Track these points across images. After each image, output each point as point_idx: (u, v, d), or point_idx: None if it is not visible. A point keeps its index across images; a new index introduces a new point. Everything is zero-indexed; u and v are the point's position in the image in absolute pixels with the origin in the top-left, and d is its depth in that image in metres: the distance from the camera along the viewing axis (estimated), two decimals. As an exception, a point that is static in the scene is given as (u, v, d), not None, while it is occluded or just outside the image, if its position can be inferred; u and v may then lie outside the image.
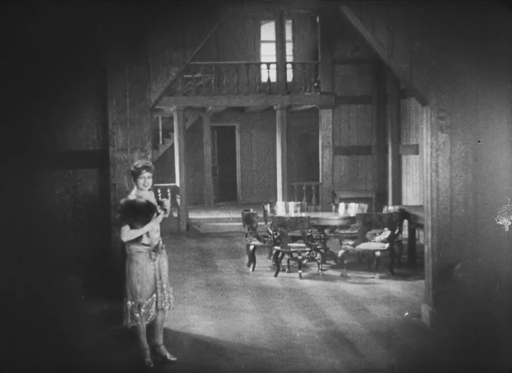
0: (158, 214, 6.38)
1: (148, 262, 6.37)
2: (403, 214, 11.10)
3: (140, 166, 6.39)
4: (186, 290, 9.81)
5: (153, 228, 6.33)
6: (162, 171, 18.43)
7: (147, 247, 6.34)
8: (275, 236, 11.00)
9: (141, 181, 6.38)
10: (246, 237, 11.70)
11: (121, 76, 7.44)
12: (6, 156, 7.39)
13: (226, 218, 16.94)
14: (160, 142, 19.45)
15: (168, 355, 6.58)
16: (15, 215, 7.41)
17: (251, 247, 11.35)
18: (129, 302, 6.34)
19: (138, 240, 6.29)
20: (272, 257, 11.47)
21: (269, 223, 11.66)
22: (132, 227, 6.24)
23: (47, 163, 7.65)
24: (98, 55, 7.49)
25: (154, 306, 6.41)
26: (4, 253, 7.07)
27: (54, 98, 7.55)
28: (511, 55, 7.29)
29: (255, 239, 11.36)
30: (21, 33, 7.24)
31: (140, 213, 6.28)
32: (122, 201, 6.37)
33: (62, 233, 7.63)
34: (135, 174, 6.39)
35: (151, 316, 6.43)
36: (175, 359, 6.57)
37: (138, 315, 6.35)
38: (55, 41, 7.38)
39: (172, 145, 18.36)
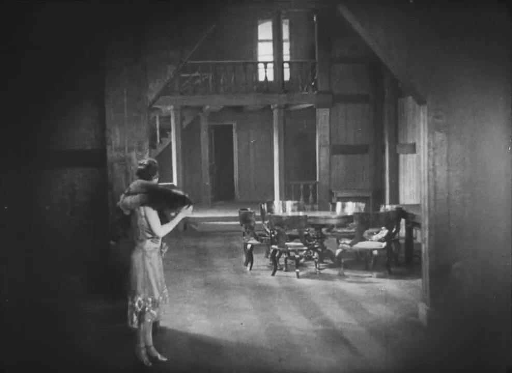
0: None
1: (159, 259, 6.40)
2: (401, 213, 11.11)
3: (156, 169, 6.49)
4: (184, 289, 9.82)
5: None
6: (160, 170, 18.39)
7: (159, 244, 6.38)
8: (272, 235, 11.01)
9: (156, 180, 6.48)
10: (243, 236, 11.70)
11: (118, 75, 7.43)
12: (5, 156, 7.39)
13: (224, 217, 16.95)
14: (158, 141, 19.45)
15: (159, 355, 6.55)
16: (13, 215, 7.40)
17: (248, 246, 11.36)
18: (146, 298, 6.26)
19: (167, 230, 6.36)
20: (269, 256, 11.47)
21: (266, 222, 11.65)
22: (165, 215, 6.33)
23: (45, 162, 7.65)
24: (95, 54, 7.49)
25: (164, 302, 6.44)
26: (3, 252, 7.08)
27: (52, 97, 7.55)
28: (509, 54, 7.30)
29: (252, 238, 11.37)
30: (20, 33, 7.23)
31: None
32: (169, 188, 6.45)
33: (60, 232, 7.63)
34: (154, 173, 6.46)
35: (162, 313, 6.46)
36: (166, 359, 6.55)
37: (154, 312, 6.33)
38: (53, 41, 7.38)
39: (170, 144, 18.36)
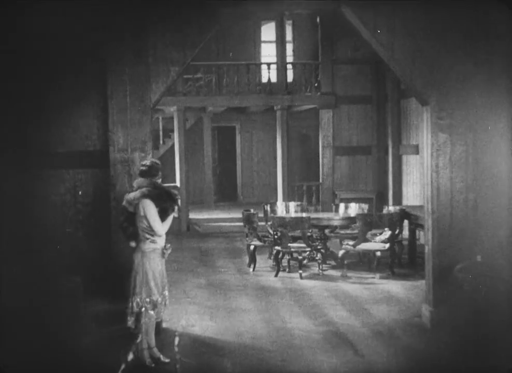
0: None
1: (160, 260, 6.39)
2: (404, 214, 11.09)
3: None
4: (187, 290, 9.81)
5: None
6: (162, 171, 18.38)
7: (160, 245, 6.36)
8: (275, 236, 11.00)
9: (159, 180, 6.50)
10: (246, 237, 11.69)
11: (121, 76, 7.44)
12: (7, 156, 7.39)
13: (227, 218, 16.93)
14: (161, 142, 19.43)
15: (161, 356, 6.54)
16: (15, 215, 7.41)
17: (252, 247, 11.35)
18: (144, 299, 6.27)
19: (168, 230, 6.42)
20: (272, 257, 11.47)
21: (269, 223, 11.65)
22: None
23: (47, 163, 7.66)
24: (96, 55, 7.49)
25: (164, 304, 6.43)
26: (4, 252, 7.07)
27: (54, 98, 7.56)
28: (510, 55, 7.29)
29: (255, 239, 11.36)
30: (21, 33, 7.24)
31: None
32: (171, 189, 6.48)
33: (62, 233, 7.63)
34: (156, 173, 6.49)
35: (161, 314, 6.45)
36: (168, 360, 6.53)
37: (152, 312, 6.33)
38: (55, 41, 7.38)
39: (173, 145, 18.35)
